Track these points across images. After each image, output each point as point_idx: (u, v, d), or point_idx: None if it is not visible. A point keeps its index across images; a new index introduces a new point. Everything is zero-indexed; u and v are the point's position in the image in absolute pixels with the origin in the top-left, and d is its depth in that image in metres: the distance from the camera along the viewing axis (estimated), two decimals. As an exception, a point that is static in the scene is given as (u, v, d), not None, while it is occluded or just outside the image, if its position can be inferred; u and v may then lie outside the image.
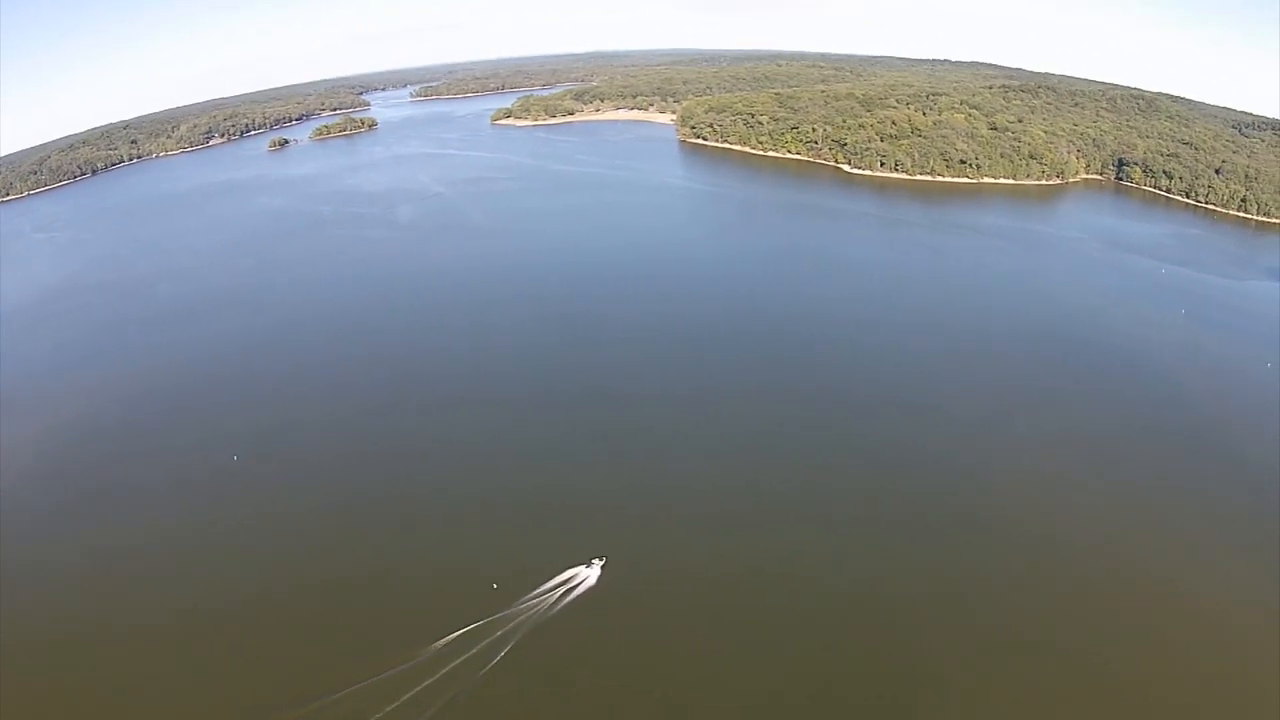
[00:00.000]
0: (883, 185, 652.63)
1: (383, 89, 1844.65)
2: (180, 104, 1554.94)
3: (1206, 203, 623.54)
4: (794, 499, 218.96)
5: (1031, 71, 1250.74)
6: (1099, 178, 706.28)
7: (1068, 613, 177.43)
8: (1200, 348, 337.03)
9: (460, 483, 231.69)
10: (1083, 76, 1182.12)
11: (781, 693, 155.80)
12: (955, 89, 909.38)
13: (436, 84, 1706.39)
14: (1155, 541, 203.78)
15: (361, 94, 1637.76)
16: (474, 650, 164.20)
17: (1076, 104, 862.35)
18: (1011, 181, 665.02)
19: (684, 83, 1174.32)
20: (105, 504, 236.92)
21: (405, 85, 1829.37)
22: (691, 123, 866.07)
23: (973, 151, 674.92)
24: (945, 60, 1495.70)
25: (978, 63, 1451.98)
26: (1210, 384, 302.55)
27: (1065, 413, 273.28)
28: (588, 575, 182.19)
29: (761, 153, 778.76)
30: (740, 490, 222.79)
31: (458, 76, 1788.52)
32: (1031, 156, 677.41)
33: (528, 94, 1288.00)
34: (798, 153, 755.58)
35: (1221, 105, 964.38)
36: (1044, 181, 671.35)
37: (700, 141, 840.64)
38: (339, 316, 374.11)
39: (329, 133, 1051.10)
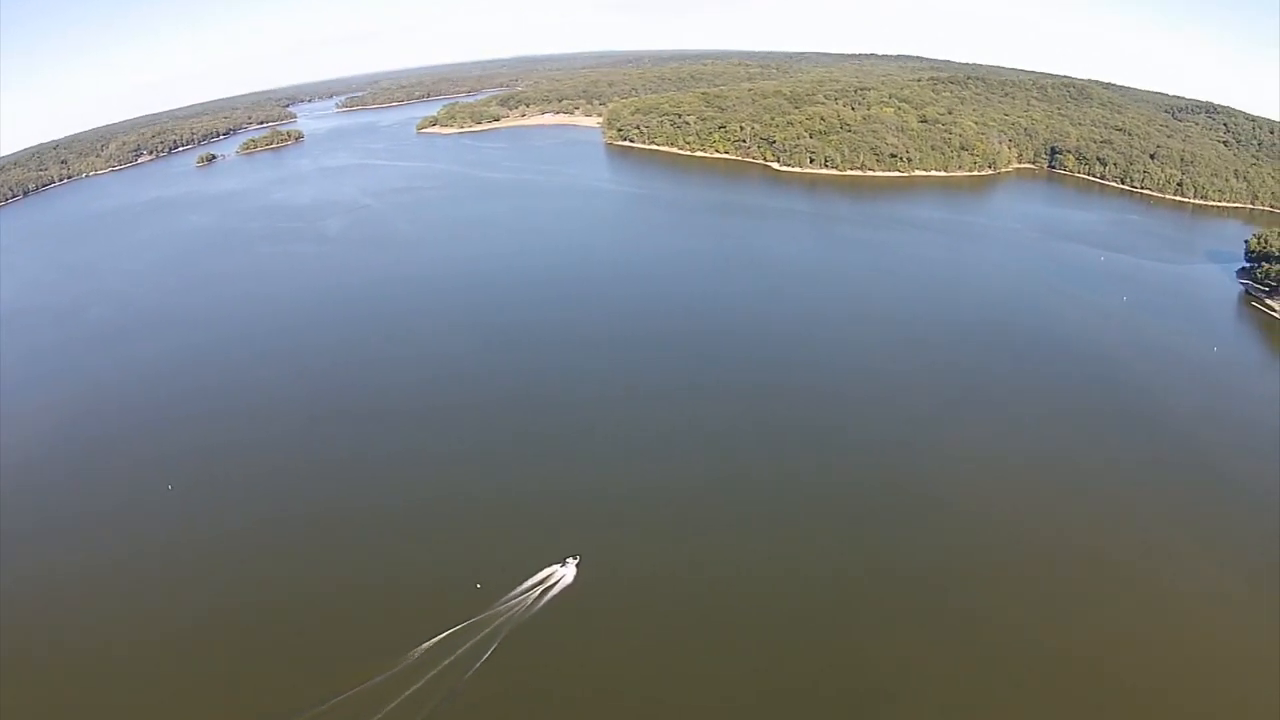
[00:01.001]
0: (813, 182, 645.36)
1: (309, 100, 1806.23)
2: (110, 122, 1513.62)
3: (1142, 188, 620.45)
4: (752, 495, 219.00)
5: (959, 63, 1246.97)
6: (1032, 167, 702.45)
7: (1029, 596, 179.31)
8: (1145, 334, 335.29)
9: (419, 490, 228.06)
10: (1012, 66, 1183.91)
11: (757, 682, 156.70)
12: (883, 83, 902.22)
13: (362, 94, 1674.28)
14: (1111, 523, 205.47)
15: (288, 106, 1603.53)
16: (459, 652, 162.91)
17: (1007, 94, 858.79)
18: (943, 174, 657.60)
19: (609, 85, 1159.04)
20: (50, 533, 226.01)
21: (332, 96, 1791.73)
22: (618, 125, 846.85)
23: (903, 145, 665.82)
24: (872, 54, 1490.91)
25: (905, 56, 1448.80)
26: (1158, 369, 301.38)
27: (1015, 402, 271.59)
28: (564, 574, 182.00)
29: (689, 153, 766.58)
30: (698, 487, 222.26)
31: (383, 86, 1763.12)
32: (963, 148, 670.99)
33: (454, 101, 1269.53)
34: (726, 152, 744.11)
35: (1153, 90, 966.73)
36: (976, 172, 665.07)
37: (627, 144, 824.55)
38: (271, 334, 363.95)
39: (256, 146, 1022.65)
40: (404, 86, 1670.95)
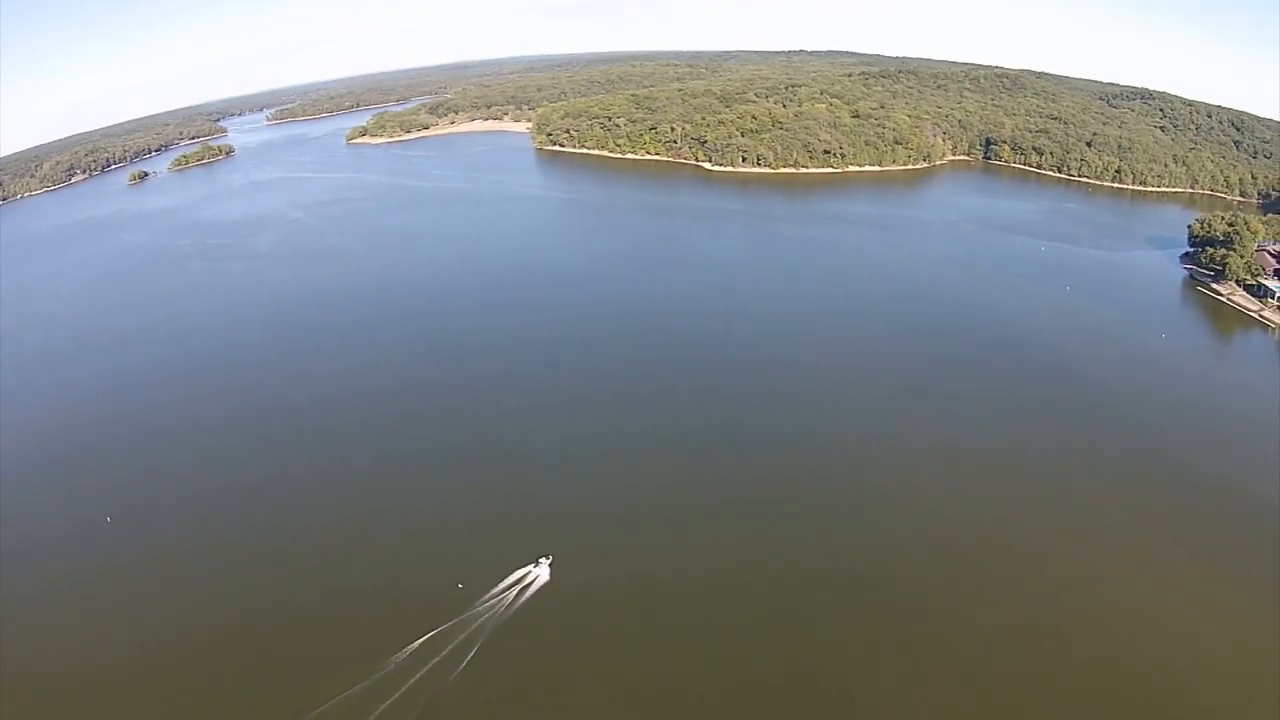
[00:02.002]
0: (745, 181, 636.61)
1: (240, 114, 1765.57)
2: (44, 141, 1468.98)
3: (1080, 176, 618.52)
4: (707, 492, 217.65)
5: (891, 57, 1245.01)
6: (967, 158, 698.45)
7: (990, 586, 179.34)
8: (1091, 323, 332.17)
9: (375, 500, 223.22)
10: (944, 59, 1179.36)
11: (726, 675, 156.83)
12: (814, 79, 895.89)
13: (292, 106, 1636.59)
14: (1064, 511, 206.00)
15: (219, 120, 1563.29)
16: (443, 654, 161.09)
17: (939, 86, 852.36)
18: (878, 168, 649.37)
19: (538, 90, 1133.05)
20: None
21: (263, 109, 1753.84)
22: (547, 130, 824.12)
23: (836, 141, 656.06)
24: (801, 51, 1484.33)
25: (835, 51, 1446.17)
26: (1107, 358, 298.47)
27: (966, 396, 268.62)
28: (538, 573, 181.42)
29: (620, 155, 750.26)
30: (654, 486, 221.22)
31: (314, 97, 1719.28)
32: (897, 142, 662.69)
33: (383, 110, 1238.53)
34: (657, 153, 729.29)
35: (1088, 78, 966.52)
36: (911, 166, 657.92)
37: (557, 148, 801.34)
38: (208, 351, 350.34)
39: (188, 162, 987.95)
40: (334, 97, 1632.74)
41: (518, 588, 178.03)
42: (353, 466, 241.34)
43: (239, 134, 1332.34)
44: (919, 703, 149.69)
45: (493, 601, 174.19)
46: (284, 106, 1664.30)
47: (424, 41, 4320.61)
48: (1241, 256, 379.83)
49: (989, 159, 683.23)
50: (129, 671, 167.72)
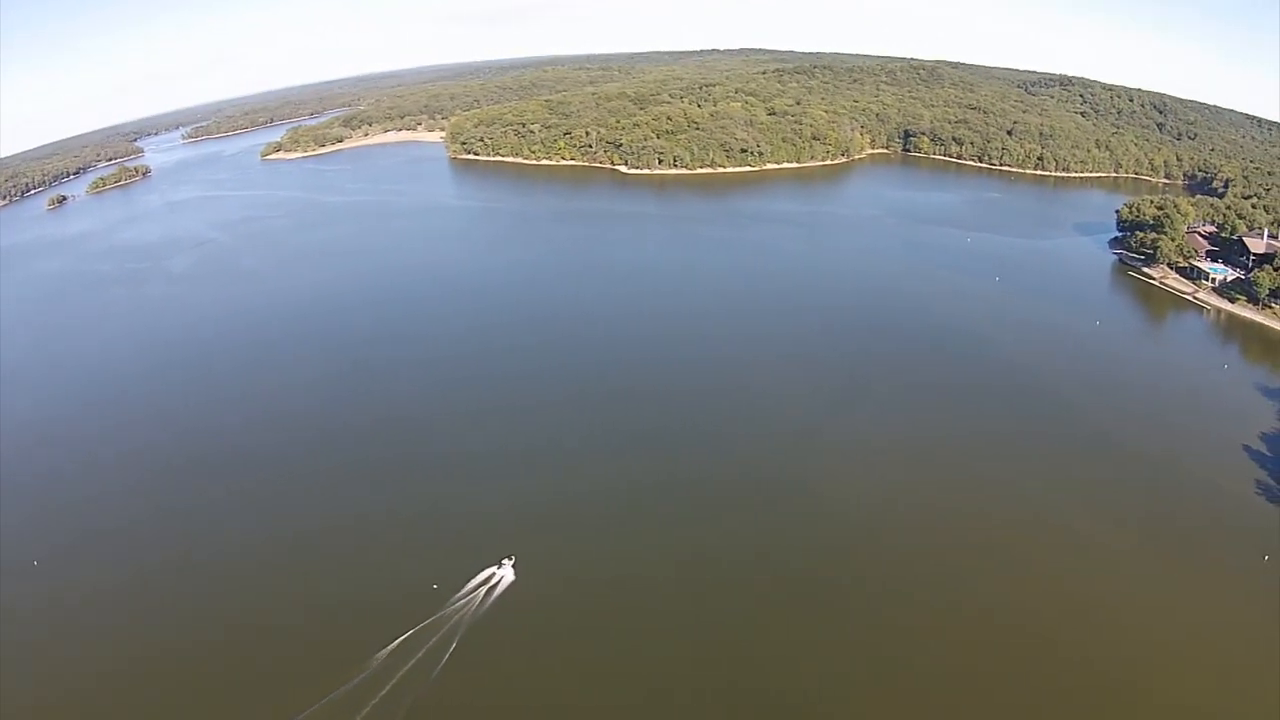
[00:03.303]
0: (662, 183, 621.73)
1: (156, 133, 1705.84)
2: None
3: (1002, 164, 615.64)
4: (643, 495, 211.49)
5: (804, 53, 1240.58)
6: (886, 151, 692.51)
7: (931, 577, 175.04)
8: (1023, 313, 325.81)
9: (324, 514, 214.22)
10: (858, 52, 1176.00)
11: (684, 665, 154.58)
12: (728, 78, 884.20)
13: (207, 123, 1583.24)
14: (1002, 500, 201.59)
15: (136, 141, 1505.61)
16: (421, 653, 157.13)
17: (855, 80, 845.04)
18: (796, 165, 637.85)
19: (451, 98, 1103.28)
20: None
21: (178, 127, 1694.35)
22: (461, 138, 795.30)
23: (753, 139, 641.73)
24: (714, 50, 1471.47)
25: (748, 49, 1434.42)
26: (1041, 348, 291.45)
27: (899, 392, 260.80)
28: (503, 574, 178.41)
29: (535, 162, 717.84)
30: (598, 488, 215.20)
31: (228, 114, 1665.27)
32: (814, 138, 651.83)
33: (297, 125, 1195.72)
34: (572, 158, 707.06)
35: (1005, 66, 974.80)
36: (829, 161, 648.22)
37: (472, 157, 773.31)
38: (124, 381, 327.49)
39: (105, 185, 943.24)
40: (248, 113, 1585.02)
41: (485, 588, 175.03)
42: (296, 482, 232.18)
43: (155, 154, 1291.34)
44: (880, 694, 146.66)
45: (463, 601, 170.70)
46: (199, 124, 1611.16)
47: (337, 54, 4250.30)
48: (1173, 239, 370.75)
49: (908, 151, 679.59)
50: (104, 689, 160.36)
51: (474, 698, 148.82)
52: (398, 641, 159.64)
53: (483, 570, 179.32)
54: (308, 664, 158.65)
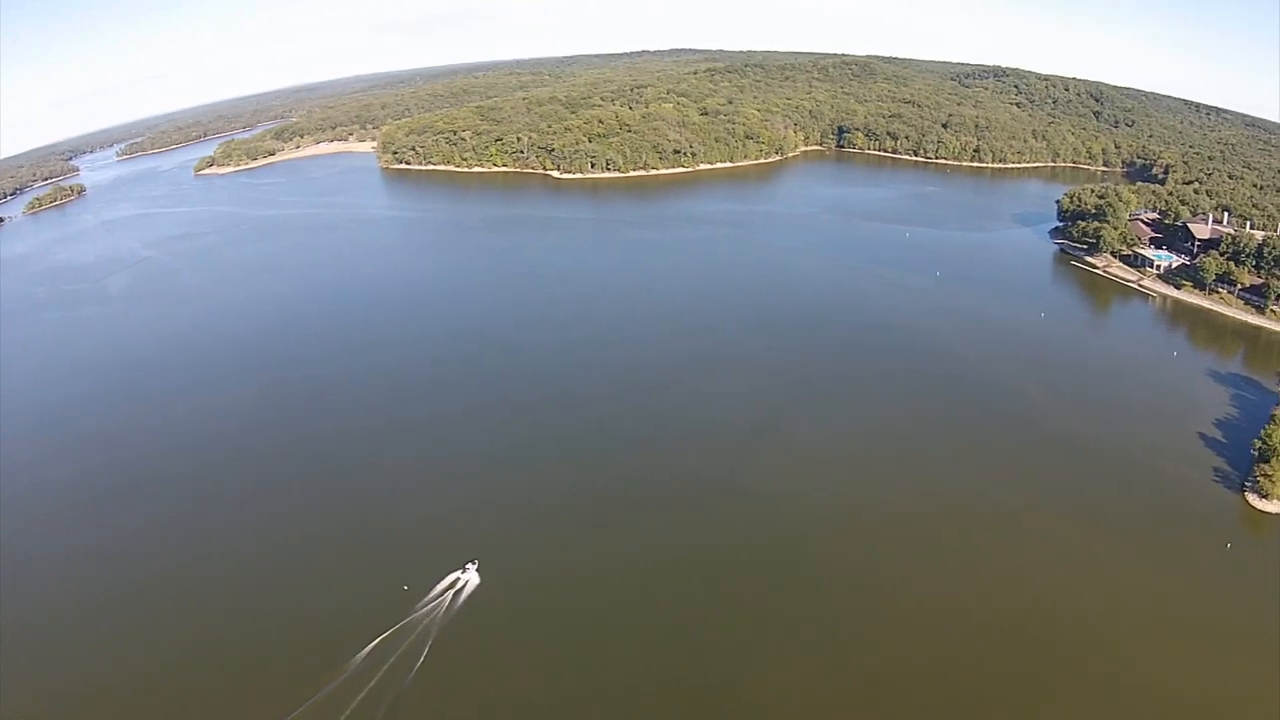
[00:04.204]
0: (595, 187, 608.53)
1: (91, 151, 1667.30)
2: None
3: (937, 158, 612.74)
4: (597, 498, 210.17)
5: (734, 51, 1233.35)
6: (820, 148, 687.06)
7: (876, 566, 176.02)
8: (966, 308, 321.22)
9: (284, 526, 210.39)
10: (789, 50, 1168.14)
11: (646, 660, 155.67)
12: (660, 79, 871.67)
13: (142, 140, 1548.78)
14: (946, 492, 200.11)
15: (71, 159, 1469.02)
16: (396, 655, 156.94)
17: (788, 78, 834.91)
18: (730, 165, 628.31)
19: (382, 107, 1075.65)
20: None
21: (113, 144, 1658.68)
22: (393, 148, 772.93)
23: (686, 140, 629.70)
24: (644, 51, 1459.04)
25: (678, 49, 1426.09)
26: (986, 342, 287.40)
27: (843, 390, 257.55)
28: (468, 578, 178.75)
29: (467, 170, 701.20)
30: (543, 494, 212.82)
31: (162, 130, 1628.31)
32: (748, 137, 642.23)
33: (230, 138, 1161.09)
34: (504, 165, 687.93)
35: (938, 60, 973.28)
36: (763, 160, 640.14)
37: (404, 166, 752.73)
38: (65, 407, 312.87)
39: (41, 205, 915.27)
40: (181, 128, 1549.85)
41: (451, 592, 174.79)
42: (246, 498, 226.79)
43: (91, 172, 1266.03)
44: (831, 683, 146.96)
45: (431, 606, 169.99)
46: (134, 141, 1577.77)
47: (269, 65, 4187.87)
48: (1115, 228, 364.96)
49: (843, 147, 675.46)
50: (78, 709, 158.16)
51: (450, 699, 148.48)
52: (370, 647, 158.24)
53: (447, 575, 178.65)
54: (285, 672, 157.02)
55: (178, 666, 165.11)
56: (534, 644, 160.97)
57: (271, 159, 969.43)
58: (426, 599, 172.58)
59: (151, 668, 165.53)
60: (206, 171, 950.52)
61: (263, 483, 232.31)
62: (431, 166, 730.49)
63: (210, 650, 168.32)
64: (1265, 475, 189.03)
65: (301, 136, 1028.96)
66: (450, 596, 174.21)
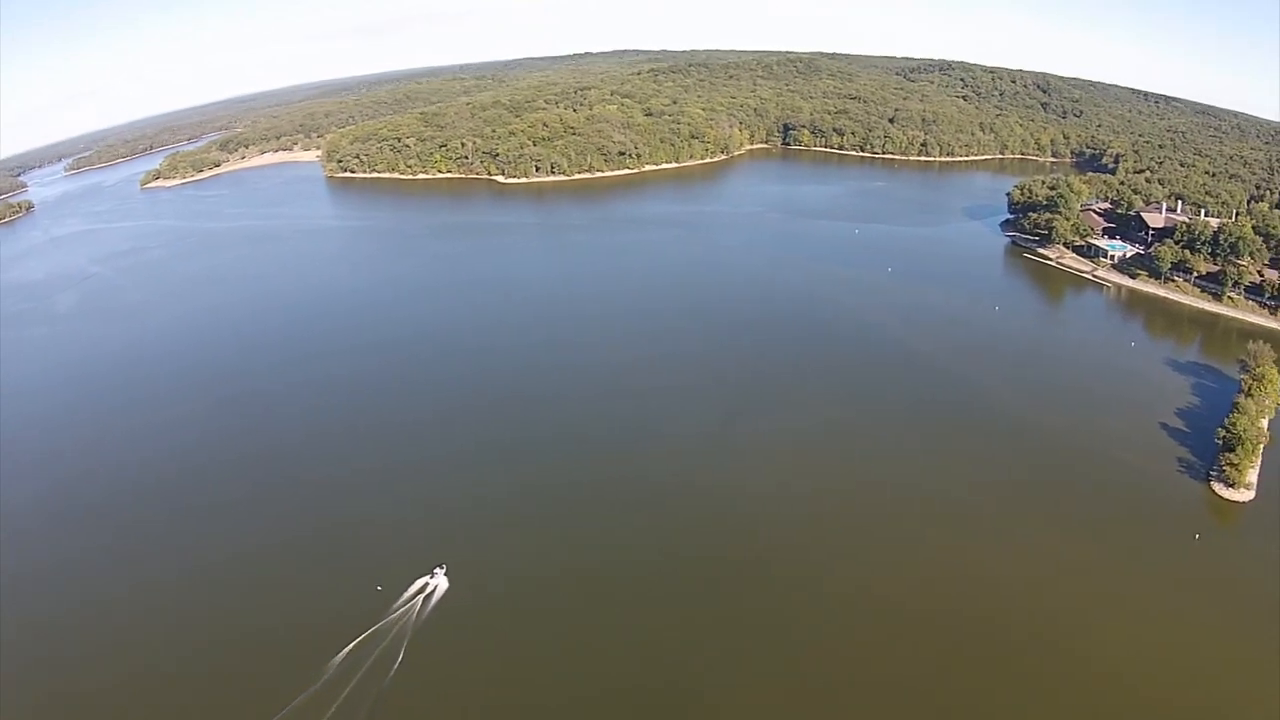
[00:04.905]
0: (540, 191, 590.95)
1: (40, 166, 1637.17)
2: None
3: (884, 153, 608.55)
4: (565, 499, 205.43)
5: (678, 51, 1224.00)
6: (766, 146, 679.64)
7: (838, 558, 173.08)
8: (919, 304, 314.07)
9: (247, 535, 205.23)
10: (732, 48, 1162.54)
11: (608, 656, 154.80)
12: (603, 80, 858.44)
13: (89, 154, 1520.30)
14: (903, 483, 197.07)
15: (19, 175, 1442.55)
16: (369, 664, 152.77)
17: (732, 77, 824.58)
18: (676, 165, 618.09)
19: (326, 116, 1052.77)
20: None
21: (60, 159, 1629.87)
22: (337, 156, 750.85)
23: (631, 141, 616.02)
24: (587, 53, 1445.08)
25: (621, 51, 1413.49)
26: (941, 337, 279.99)
27: (800, 389, 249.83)
28: (437, 582, 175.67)
29: (412, 176, 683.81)
30: (503, 499, 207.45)
31: (109, 143, 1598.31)
32: (693, 137, 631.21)
33: (176, 150, 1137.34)
34: (449, 171, 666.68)
35: (883, 55, 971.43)
36: (709, 160, 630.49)
37: (348, 175, 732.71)
38: (15, 428, 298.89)
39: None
40: (128, 141, 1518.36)
41: (422, 596, 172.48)
42: (210, 510, 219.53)
43: (39, 188, 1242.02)
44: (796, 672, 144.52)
45: (403, 611, 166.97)
46: (81, 155, 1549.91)
47: (214, 75, 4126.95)
48: (1068, 219, 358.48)
49: (789, 145, 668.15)
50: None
51: (430, 699, 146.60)
52: (346, 651, 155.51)
53: (416, 581, 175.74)
54: (265, 677, 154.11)
55: (152, 679, 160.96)
56: (508, 646, 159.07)
57: (217, 170, 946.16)
58: (398, 604, 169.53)
59: (124, 681, 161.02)
60: (153, 185, 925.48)
61: (224, 496, 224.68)
62: (376, 174, 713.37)
63: (185, 661, 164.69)
64: (1231, 464, 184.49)
65: (246, 147, 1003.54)
66: (421, 601, 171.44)
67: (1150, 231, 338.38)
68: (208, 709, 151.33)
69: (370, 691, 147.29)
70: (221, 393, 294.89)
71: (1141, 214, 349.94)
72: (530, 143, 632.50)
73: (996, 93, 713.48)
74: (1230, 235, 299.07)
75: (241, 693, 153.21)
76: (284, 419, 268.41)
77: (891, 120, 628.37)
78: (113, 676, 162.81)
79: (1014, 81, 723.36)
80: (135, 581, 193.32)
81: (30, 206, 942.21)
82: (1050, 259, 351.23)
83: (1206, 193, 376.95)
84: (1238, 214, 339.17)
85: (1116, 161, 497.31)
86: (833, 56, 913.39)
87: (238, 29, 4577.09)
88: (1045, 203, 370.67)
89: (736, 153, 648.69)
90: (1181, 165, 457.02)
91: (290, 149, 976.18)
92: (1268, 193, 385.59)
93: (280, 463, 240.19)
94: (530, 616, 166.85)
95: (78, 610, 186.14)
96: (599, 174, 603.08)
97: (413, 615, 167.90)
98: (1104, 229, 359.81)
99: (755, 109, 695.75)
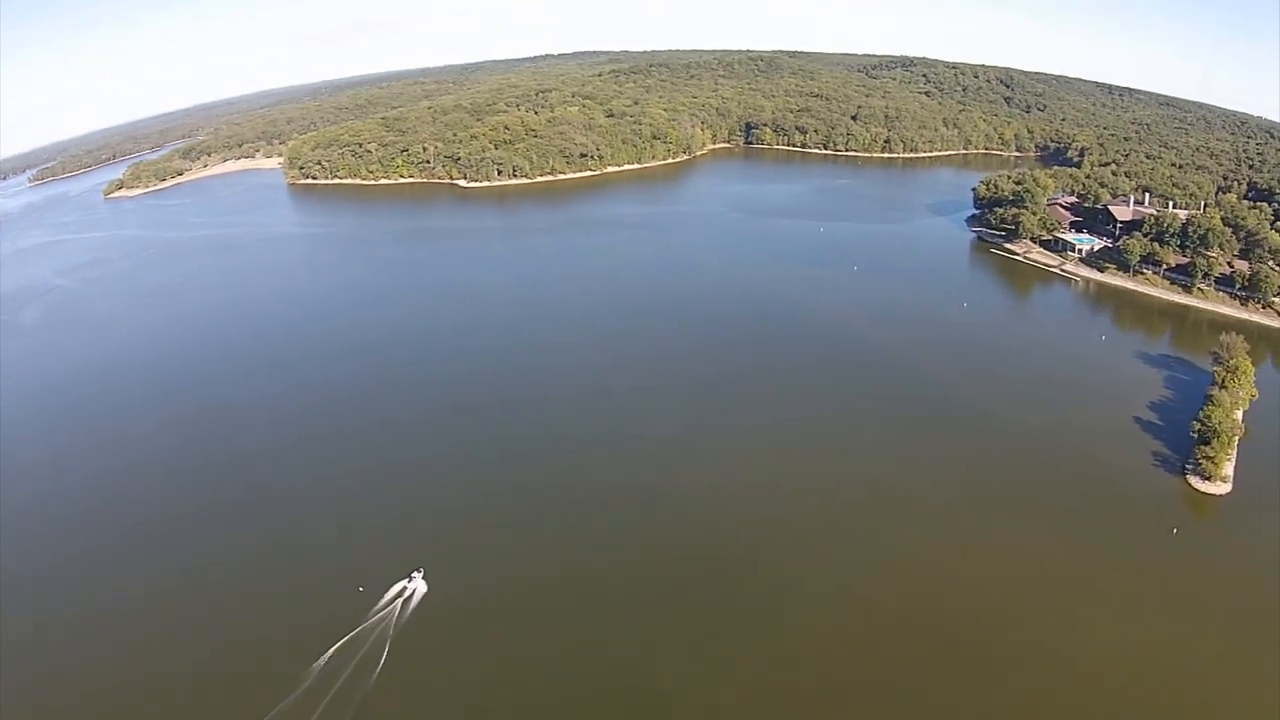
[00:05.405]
0: (502, 194, 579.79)
1: (4, 178, 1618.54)
2: None
3: (848, 150, 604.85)
4: (536, 501, 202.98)
5: (639, 52, 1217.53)
6: (729, 145, 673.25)
7: (810, 559, 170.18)
8: (887, 302, 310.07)
9: (224, 541, 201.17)
10: (693, 48, 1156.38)
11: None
12: (564, 82, 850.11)
13: (53, 164, 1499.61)
14: (876, 481, 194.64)
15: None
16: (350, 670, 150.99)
17: (693, 77, 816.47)
18: (638, 166, 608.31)
19: (288, 122, 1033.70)
20: None
21: (25, 170, 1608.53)
22: (299, 163, 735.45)
23: (593, 143, 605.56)
24: (548, 55, 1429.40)
25: (582, 52, 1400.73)
26: (910, 335, 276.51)
27: (770, 391, 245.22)
28: (415, 586, 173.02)
29: (374, 182, 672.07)
30: (478, 500, 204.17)
31: (73, 153, 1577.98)
32: (655, 137, 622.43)
33: (139, 159, 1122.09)
34: (410, 176, 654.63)
35: (844, 52, 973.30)
36: (671, 160, 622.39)
37: (310, 181, 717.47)
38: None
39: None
40: (91, 151, 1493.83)
41: (400, 600, 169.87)
42: (179, 521, 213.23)
43: (3, 199, 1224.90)
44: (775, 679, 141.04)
45: (383, 612, 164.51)
46: (46, 165, 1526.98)
47: (173, 84, 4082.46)
48: (1034, 213, 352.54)
49: (751, 144, 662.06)
50: None
51: (415, 699, 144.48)
52: (329, 654, 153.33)
53: (394, 584, 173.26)
54: (249, 681, 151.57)
55: (131, 687, 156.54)
56: (491, 647, 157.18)
57: (180, 179, 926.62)
58: (376, 607, 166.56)
59: (100, 690, 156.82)
60: (116, 195, 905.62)
61: (198, 503, 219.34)
62: (338, 180, 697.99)
63: (166, 667, 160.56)
64: (1206, 457, 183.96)
65: (209, 155, 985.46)
66: (400, 605, 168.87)
67: (1118, 224, 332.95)
68: (191, 717, 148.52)
69: (354, 695, 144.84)
70: (192, 401, 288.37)
71: (1109, 207, 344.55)
72: (492, 146, 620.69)
73: (959, 88, 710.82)
74: (1199, 227, 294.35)
75: (225, 699, 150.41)
76: (256, 426, 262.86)
77: (854, 117, 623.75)
78: (88, 686, 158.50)
79: (976, 77, 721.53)
80: (112, 590, 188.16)
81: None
82: (1018, 254, 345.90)
83: (1174, 185, 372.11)
84: (1206, 205, 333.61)
85: (1082, 155, 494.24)
86: (794, 55, 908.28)
87: (196, 37, 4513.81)
88: (1011, 197, 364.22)
89: (699, 153, 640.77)
90: (1148, 158, 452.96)
91: (252, 156, 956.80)
92: (1235, 184, 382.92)
93: (255, 469, 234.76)
94: (513, 617, 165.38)
95: (45, 623, 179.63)
96: (561, 176, 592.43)
97: (394, 617, 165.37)
98: (1071, 223, 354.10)
99: (717, 108, 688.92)
